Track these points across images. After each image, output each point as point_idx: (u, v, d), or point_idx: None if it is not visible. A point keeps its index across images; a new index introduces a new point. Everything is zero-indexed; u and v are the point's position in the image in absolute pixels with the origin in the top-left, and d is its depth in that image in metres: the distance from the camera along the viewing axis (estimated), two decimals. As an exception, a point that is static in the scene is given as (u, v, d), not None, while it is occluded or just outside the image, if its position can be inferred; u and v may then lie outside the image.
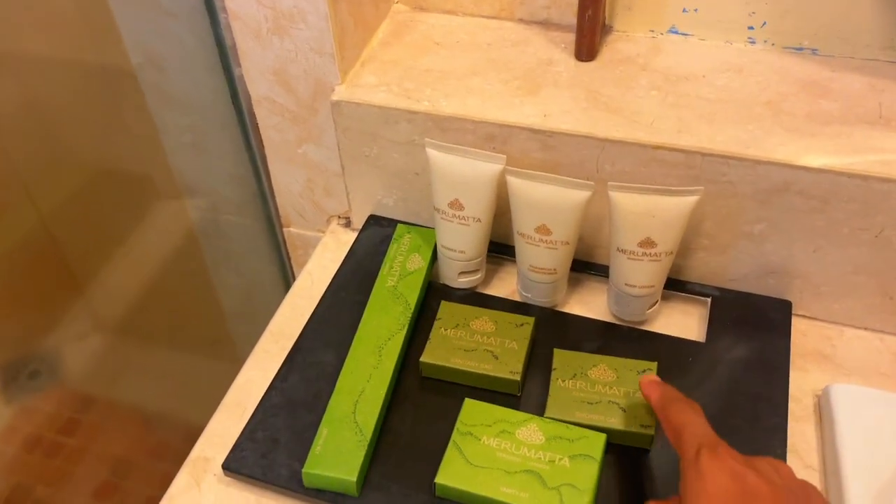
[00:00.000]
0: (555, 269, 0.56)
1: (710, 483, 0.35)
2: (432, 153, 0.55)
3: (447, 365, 0.52)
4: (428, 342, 0.54)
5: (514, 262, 0.59)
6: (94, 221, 0.73)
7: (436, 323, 0.55)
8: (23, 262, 0.76)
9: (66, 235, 0.74)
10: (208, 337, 0.93)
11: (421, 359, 0.52)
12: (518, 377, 0.51)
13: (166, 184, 0.72)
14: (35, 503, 1.16)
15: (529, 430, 0.47)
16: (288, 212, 0.71)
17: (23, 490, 1.17)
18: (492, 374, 0.51)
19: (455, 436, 0.47)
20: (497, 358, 0.52)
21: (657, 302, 0.57)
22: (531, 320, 0.54)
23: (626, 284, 0.54)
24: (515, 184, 0.53)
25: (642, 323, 0.57)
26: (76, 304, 0.92)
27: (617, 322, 0.58)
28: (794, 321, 0.57)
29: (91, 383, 1.15)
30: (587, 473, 0.45)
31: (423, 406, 0.52)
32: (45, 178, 0.66)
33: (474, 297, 0.60)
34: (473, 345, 0.53)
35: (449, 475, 0.45)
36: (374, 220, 0.66)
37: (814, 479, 0.49)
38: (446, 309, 0.56)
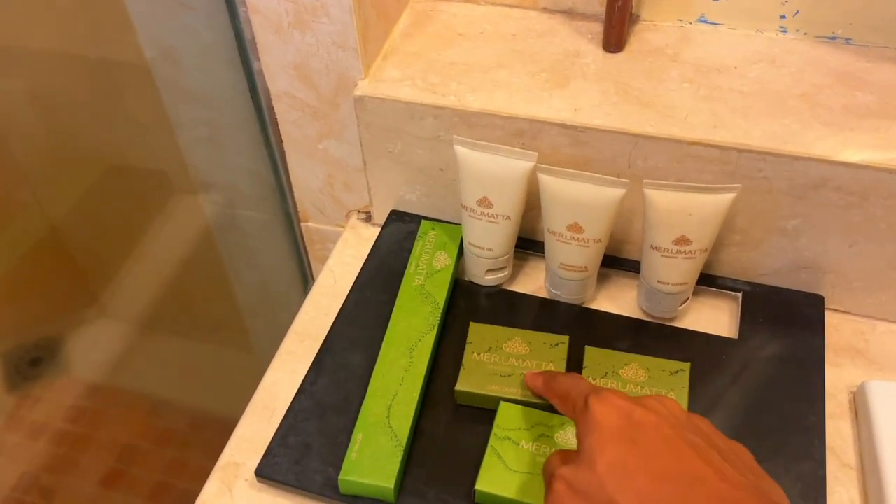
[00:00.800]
0: (586, 267, 0.55)
1: (599, 420, 0.37)
2: (461, 150, 0.54)
3: (483, 392, 0.50)
4: (462, 368, 0.51)
5: (541, 257, 0.58)
6: (108, 216, 0.71)
7: (467, 347, 0.52)
8: (35, 256, 0.75)
9: (80, 230, 0.73)
10: (222, 328, 0.93)
11: (456, 387, 0.50)
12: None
13: (182, 179, 0.70)
14: (41, 491, 1.16)
15: (568, 433, 0.47)
16: (306, 207, 0.70)
17: (29, 478, 1.16)
18: (533, 400, 0.49)
19: (493, 441, 0.47)
20: None
21: (688, 299, 0.56)
22: (566, 339, 0.52)
23: (658, 282, 0.54)
24: (548, 182, 0.52)
25: (673, 319, 0.57)
26: (87, 296, 0.91)
27: (647, 319, 0.57)
28: (827, 315, 0.56)
29: (97, 371, 1.15)
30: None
31: (456, 409, 0.51)
32: (59, 174, 0.65)
33: (502, 295, 0.59)
34: (509, 369, 0.51)
35: (489, 482, 0.45)
36: (396, 216, 0.65)
37: (852, 477, 0.48)
38: (477, 331, 0.53)
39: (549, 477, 0.38)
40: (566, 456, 0.39)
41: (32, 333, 1.03)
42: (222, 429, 0.54)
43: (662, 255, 0.52)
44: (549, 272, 0.57)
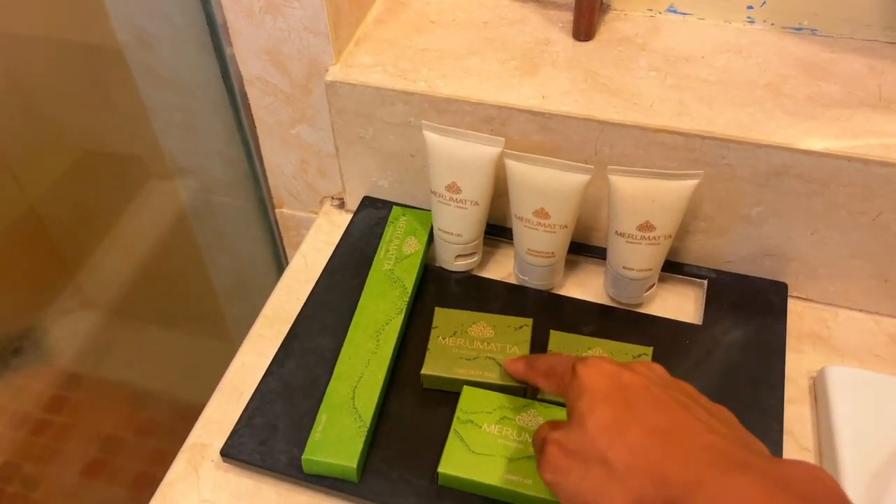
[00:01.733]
0: (553, 253, 0.55)
1: (588, 384, 0.38)
2: (430, 136, 0.54)
3: (450, 376, 0.50)
4: (427, 353, 0.52)
5: (511, 244, 0.59)
6: (83, 201, 0.71)
7: (432, 332, 0.53)
8: (10, 242, 0.75)
9: (55, 215, 0.73)
10: (198, 316, 0.93)
11: (422, 371, 0.51)
12: (524, 384, 0.50)
13: (157, 164, 0.70)
14: (23, 481, 1.16)
15: (530, 415, 0.47)
16: (280, 193, 0.70)
17: (10, 468, 1.16)
18: (497, 382, 0.50)
19: (455, 424, 0.47)
20: (500, 365, 0.51)
21: (654, 285, 0.57)
22: (529, 322, 0.53)
23: (623, 267, 0.54)
24: (514, 167, 0.52)
25: (639, 305, 0.58)
26: (64, 282, 0.91)
27: (614, 305, 0.58)
28: (790, 303, 0.57)
29: (79, 361, 1.15)
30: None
31: (422, 393, 0.52)
32: (34, 159, 0.65)
33: (471, 281, 0.60)
34: (474, 353, 0.51)
35: (451, 464, 0.45)
36: (368, 202, 0.65)
37: (809, 459, 0.49)
38: (442, 316, 0.54)
39: (540, 443, 0.39)
40: (556, 424, 0.40)
41: (12, 323, 1.02)
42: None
43: (627, 241, 0.53)
44: (518, 258, 0.58)
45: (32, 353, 1.12)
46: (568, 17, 0.60)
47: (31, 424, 1.20)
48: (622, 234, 0.52)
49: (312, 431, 0.48)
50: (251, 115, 0.63)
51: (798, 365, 0.54)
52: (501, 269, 0.61)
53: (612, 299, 0.58)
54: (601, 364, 0.39)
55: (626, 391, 0.37)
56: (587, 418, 0.36)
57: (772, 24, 0.59)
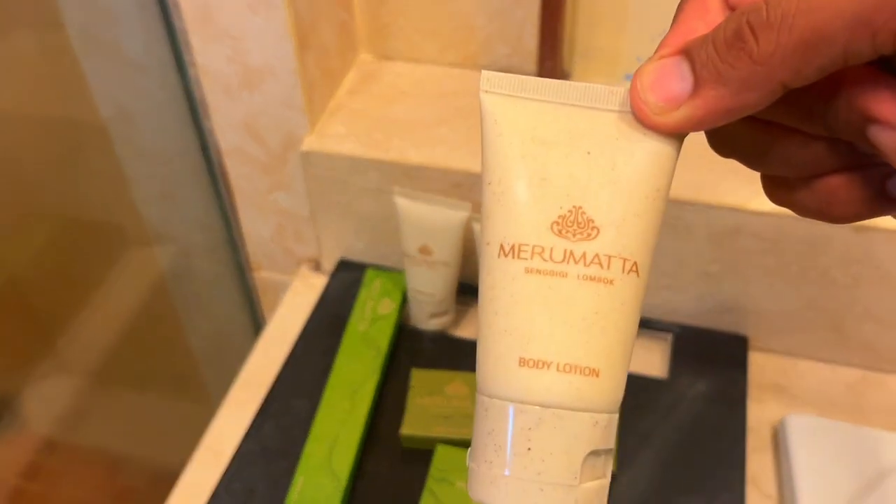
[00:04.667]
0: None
1: None
2: (401, 201, 0.57)
3: (428, 435, 0.52)
4: (406, 413, 0.53)
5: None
6: (63, 268, 0.73)
7: (410, 392, 0.55)
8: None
9: (35, 282, 0.74)
10: (176, 378, 0.93)
11: (401, 431, 0.52)
12: None
13: (136, 231, 0.72)
14: (-2, 551, 1.13)
15: (501, 471, 0.49)
16: (258, 257, 0.72)
17: (-16, 537, 1.14)
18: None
19: (430, 482, 0.48)
20: None
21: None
22: None
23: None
24: (479, 230, 0.55)
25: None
26: (41, 348, 0.91)
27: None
28: (752, 355, 0.59)
29: (55, 427, 1.14)
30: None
31: (398, 451, 0.53)
32: (14, 228, 0.67)
33: (445, 340, 0.61)
34: (451, 411, 0.53)
35: (425, 520, 0.46)
36: (344, 265, 0.67)
37: (774, 508, 0.51)
38: (418, 376, 0.56)
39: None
40: None
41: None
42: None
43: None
44: None
45: (8, 420, 1.11)
46: (531, 86, 0.64)
47: (7, 493, 1.18)
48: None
49: (289, 494, 0.49)
50: (229, 184, 0.66)
51: (760, 414, 0.56)
52: (474, 327, 0.63)
53: None
54: None
55: None
56: None
57: (721, 91, 0.62)
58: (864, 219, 0.22)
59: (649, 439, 0.53)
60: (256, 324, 0.77)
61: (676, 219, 0.54)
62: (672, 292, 0.60)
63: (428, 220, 0.56)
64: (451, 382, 0.55)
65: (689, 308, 0.60)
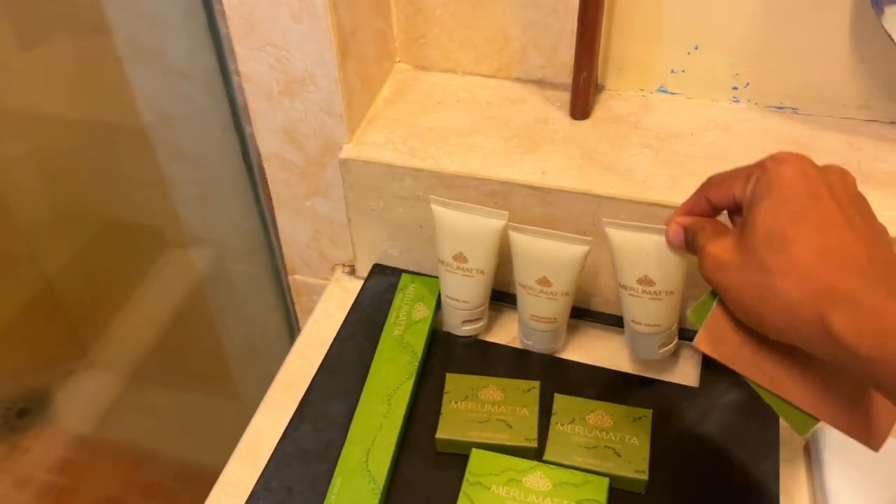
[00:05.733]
0: (555, 318, 0.58)
1: (780, 178, 0.37)
2: (437, 209, 0.58)
3: (463, 439, 0.53)
4: (440, 416, 0.54)
5: (515, 309, 0.61)
6: (104, 270, 0.75)
7: (444, 396, 0.55)
8: (29, 310, 0.77)
9: (77, 284, 0.76)
10: (208, 379, 0.95)
11: (436, 435, 0.53)
12: (534, 444, 0.52)
13: (175, 234, 0.74)
14: (27, 544, 1.15)
15: (536, 477, 0.50)
16: (293, 260, 0.73)
17: (14, 530, 1.16)
18: (509, 443, 0.52)
19: (465, 486, 0.49)
20: (511, 426, 0.53)
21: (672, 343, 0.58)
22: (536, 384, 0.56)
23: (632, 321, 0.56)
24: (518, 239, 0.56)
25: (650, 364, 0.60)
26: (77, 345, 0.93)
27: (613, 368, 0.60)
28: (783, 365, 0.59)
29: (84, 422, 1.16)
30: (592, 518, 0.47)
31: (433, 455, 0.54)
32: (58, 231, 0.69)
33: (477, 345, 0.62)
34: (485, 415, 0.54)
35: (461, 523, 0.47)
36: (378, 269, 0.68)
37: (805, 519, 0.51)
38: (453, 381, 0.56)
39: (700, 242, 0.42)
40: (716, 228, 0.42)
41: (21, 384, 1.04)
42: (208, 480, 0.56)
43: (630, 294, 0.55)
44: (522, 323, 0.61)
45: (40, 416, 1.14)
46: (565, 97, 0.65)
47: (36, 487, 1.21)
48: (625, 287, 0.55)
49: (328, 494, 0.50)
50: (268, 189, 0.67)
51: (792, 426, 0.56)
52: (506, 333, 0.64)
53: (631, 355, 0.60)
54: (802, 161, 0.38)
55: (815, 196, 0.37)
56: (761, 222, 0.37)
57: (756, 104, 0.63)
58: None
59: (681, 447, 0.54)
60: (290, 326, 0.79)
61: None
62: (704, 302, 0.60)
63: (464, 227, 0.57)
64: (486, 388, 0.56)
65: (720, 318, 0.60)
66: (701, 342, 0.43)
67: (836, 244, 0.36)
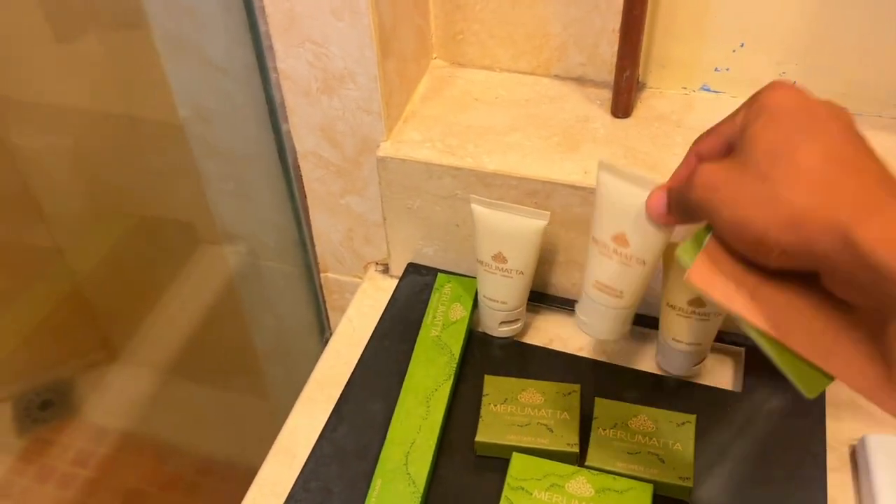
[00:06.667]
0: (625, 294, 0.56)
1: (771, 102, 0.34)
2: (477, 209, 0.57)
3: (503, 443, 0.52)
4: (480, 419, 0.53)
5: (553, 309, 0.61)
6: (137, 265, 0.75)
7: (484, 399, 0.55)
8: (62, 302, 0.78)
9: (110, 276, 0.76)
10: (239, 375, 0.95)
11: (476, 438, 0.52)
12: (576, 448, 0.51)
13: (208, 230, 0.74)
14: (47, 535, 1.16)
15: (578, 482, 0.49)
16: (326, 258, 0.73)
17: (35, 522, 1.17)
18: (550, 448, 0.51)
19: (506, 491, 0.49)
20: (552, 431, 0.52)
21: (704, 359, 0.58)
22: (577, 388, 0.55)
23: (673, 339, 0.56)
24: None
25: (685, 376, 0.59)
26: (106, 338, 0.93)
27: (653, 371, 0.59)
28: (827, 371, 0.58)
29: (109, 416, 1.16)
30: (637, 526, 0.46)
31: (472, 457, 0.53)
32: (93, 225, 0.69)
33: (514, 347, 0.62)
34: (525, 419, 0.53)
35: (504, 528, 0.47)
36: (413, 268, 0.67)
37: (853, 529, 0.50)
38: (492, 383, 0.56)
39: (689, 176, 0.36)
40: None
41: (44, 376, 1.05)
42: (231, 475, 0.55)
43: (678, 314, 0.54)
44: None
45: (65, 408, 1.15)
46: (606, 94, 0.64)
47: (58, 479, 1.21)
48: (673, 307, 0.54)
49: (368, 496, 0.49)
50: (303, 186, 0.66)
51: (837, 432, 0.55)
52: (542, 335, 0.63)
53: (661, 369, 0.59)
54: (788, 86, 0.34)
55: (811, 113, 0.33)
56: (758, 137, 0.33)
57: (801, 103, 0.61)
58: None
59: (726, 454, 0.53)
60: (321, 324, 0.78)
61: (757, 232, 0.54)
62: (746, 305, 0.59)
63: (504, 227, 0.56)
64: (525, 390, 0.55)
65: (763, 322, 0.59)
66: (694, 275, 0.36)
67: (845, 152, 0.32)
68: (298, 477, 0.53)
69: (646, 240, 0.47)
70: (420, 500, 0.49)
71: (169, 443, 1.21)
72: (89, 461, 1.24)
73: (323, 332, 0.78)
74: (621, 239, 0.47)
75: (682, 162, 0.40)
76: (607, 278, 0.50)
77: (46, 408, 1.16)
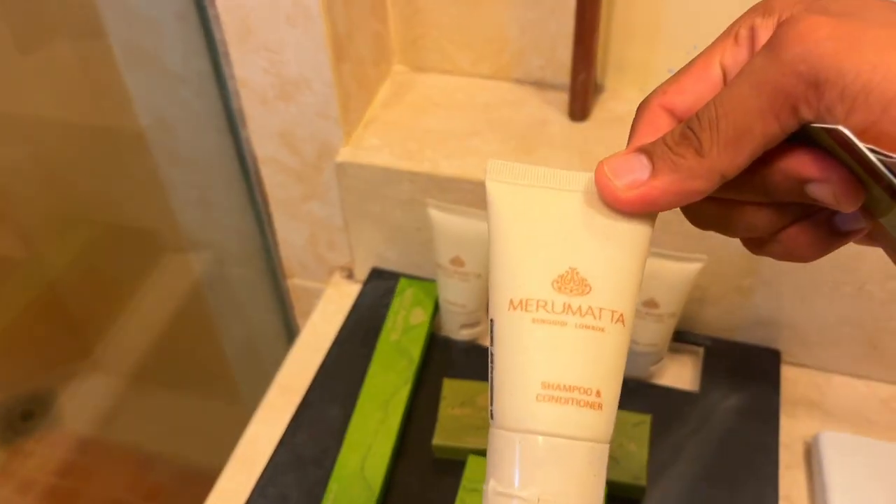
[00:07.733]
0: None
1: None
2: (434, 213, 0.57)
3: (460, 445, 0.52)
4: (437, 424, 0.53)
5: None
6: (103, 274, 0.75)
7: (441, 403, 0.55)
8: (30, 312, 0.77)
9: (76, 287, 0.76)
10: (208, 383, 0.95)
11: (433, 441, 0.53)
12: None
13: (173, 238, 0.74)
14: (30, 547, 1.16)
15: (533, 484, 0.49)
16: (291, 264, 0.73)
17: (18, 534, 1.16)
18: None
19: (461, 493, 0.49)
20: None
21: (661, 360, 0.58)
22: None
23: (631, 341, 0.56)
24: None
25: (643, 378, 0.59)
26: (77, 348, 0.93)
27: (614, 372, 0.60)
28: (784, 369, 0.59)
29: (88, 425, 1.16)
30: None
31: (430, 461, 0.54)
32: (57, 234, 0.69)
33: (476, 350, 0.62)
34: (483, 422, 0.53)
35: (457, 531, 0.47)
36: (376, 273, 0.68)
37: (807, 526, 0.51)
38: (450, 387, 0.56)
39: None
40: None
41: (24, 387, 1.04)
42: (209, 483, 0.56)
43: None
44: None
45: (45, 419, 1.14)
46: (564, 98, 0.64)
47: (40, 490, 1.21)
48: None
49: (323, 501, 0.49)
50: (264, 192, 0.67)
51: (792, 430, 0.56)
52: (504, 337, 0.63)
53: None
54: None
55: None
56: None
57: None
58: (829, 252, 0.27)
59: (680, 453, 0.53)
60: (289, 329, 0.78)
61: (712, 235, 0.54)
62: (702, 305, 0.59)
63: (461, 231, 0.57)
64: (483, 393, 0.55)
65: (721, 321, 0.60)
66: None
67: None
68: (256, 484, 0.53)
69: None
70: (375, 503, 0.49)
71: (149, 452, 1.21)
72: (71, 472, 1.23)
73: (291, 337, 0.78)
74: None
75: (636, 129, 0.28)
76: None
77: (28, 419, 1.16)
